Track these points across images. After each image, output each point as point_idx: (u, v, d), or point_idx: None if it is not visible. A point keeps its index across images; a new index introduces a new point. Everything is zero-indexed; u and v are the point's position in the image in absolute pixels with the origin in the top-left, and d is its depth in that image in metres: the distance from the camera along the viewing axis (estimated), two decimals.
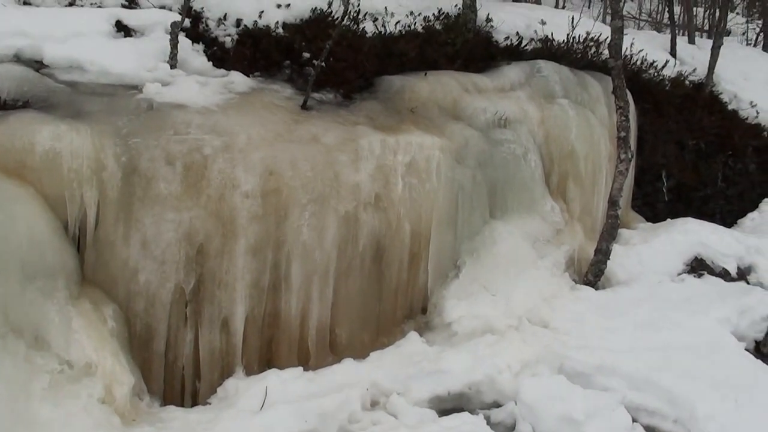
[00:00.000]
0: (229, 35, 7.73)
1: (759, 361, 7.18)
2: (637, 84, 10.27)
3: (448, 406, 6.10)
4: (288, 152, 6.51)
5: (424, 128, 7.48)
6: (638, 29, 16.29)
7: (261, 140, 6.46)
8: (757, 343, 7.68)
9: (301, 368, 6.25)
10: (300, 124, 6.85)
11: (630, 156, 8.28)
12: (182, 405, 6.12)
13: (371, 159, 6.88)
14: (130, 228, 5.93)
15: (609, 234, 8.05)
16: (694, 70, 11.76)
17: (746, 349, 7.35)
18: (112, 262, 5.90)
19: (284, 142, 6.58)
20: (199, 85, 6.88)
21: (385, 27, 8.72)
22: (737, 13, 19.24)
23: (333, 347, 6.75)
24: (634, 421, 6.02)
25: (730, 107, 11.99)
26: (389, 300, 7.07)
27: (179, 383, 6.22)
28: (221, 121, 6.46)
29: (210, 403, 5.99)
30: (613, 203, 8.17)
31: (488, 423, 5.87)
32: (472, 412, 6.00)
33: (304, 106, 7.13)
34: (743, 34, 17.99)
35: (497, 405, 6.16)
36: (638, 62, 10.67)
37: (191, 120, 6.36)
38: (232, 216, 6.18)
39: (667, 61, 11.10)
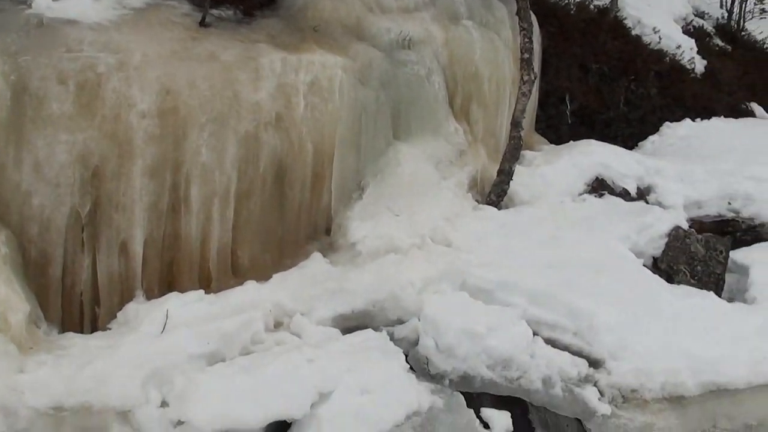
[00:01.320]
0: None
1: (656, 276, 7.56)
2: (543, 7, 10.44)
3: (352, 324, 6.26)
4: (185, 70, 6.49)
5: (326, 47, 7.51)
6: None
7: (157, 58, 6.43)
8: (655, 260, 8.04)
9: (202, 291, 6.31)
10: (198, 41, 6.81)
11: (533, 78, 8.47)
12: (82, 332, 6.14)
13: (272, 78, 6.89)
14: (22, 150, 5.88)
15: (512, 155, 8.26)
16: None
17: (644, 265, 7.70)
18: (3, 186, 5.86)
19: (181, 60, 6.55)
20: (92, 0, 6.76)
21: None
22: None
23: (235, 269, 6.81)
24: (535, 334, 6.31)
25: (633, 32, 12.30)
26: (292, 221, 7.14)
27: (78, 309, 6.24)
28: (115, 37, 6.40)
29: (110, 329, 6.03)
30: (515, 125, 8.38)
31: (392, 339, 6.08)
32: (375, 329, 6.20)
33: (202, 23, 7.07)
34: None
35: (401, 322, 6.34)
36: None
37: (84, 37, 6.28)
38: (128, 137, 6.16)
39: None
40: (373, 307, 6.35)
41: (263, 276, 6.66)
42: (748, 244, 9.08)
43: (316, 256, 6.90)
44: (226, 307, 6.08)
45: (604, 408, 6.08)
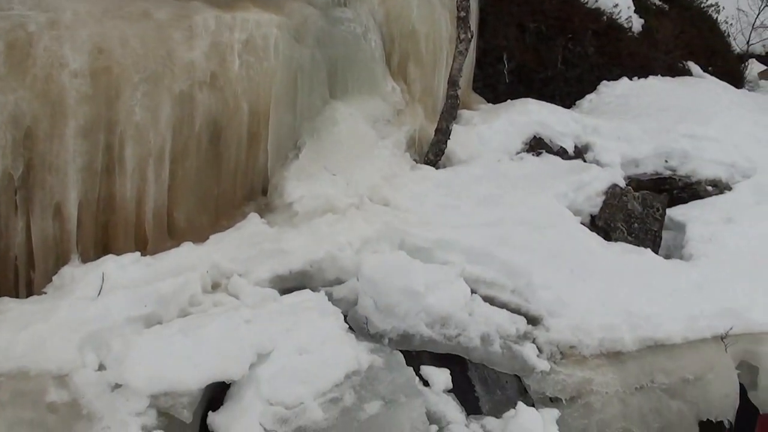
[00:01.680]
0: None
1: (593, 234, 7.69)
2: None
3: (290, 285, 6.27)
4: (118, 29, 6.40)
5: (261, 5, 7.45)
6: None
7: (89, 16, 6.34)
8: (592, 217, 8.17)
9: (138, 253, 6.27)
10: None
11: (470, 36, 8.49)
12: (17, 296, 6.10)
13: (206, 36, 6.83)
14: None
15: (449, 114, 8.30)
16: None
17: (582, 223, 7.84)
18: None
19: (113, 18, 6.46)
20: None
21: None
22: None
23: (171, 231, 6.77)
24: (473, 292, 6.37)
25: None
26: (228, 182, 7.11)
27: (12, 274, 6.19)
28: None
29: (46, 293, 5.98)
30: (453, 83, 8.42)
31: (330, 299, 6.10)
32: (314, 289, 6.20)
33: None
34: None
35: (339, 282, 6.37)
36: None
37: None
38: (61, 97, 6.08)
39: None
40: (310, 268, 6.36)
41: (200, 237, 6.63)
42: (685, 201, 9.26)
43: (253, 217, 6.89)
44: (162, 269, 6.05)
45: (543, 364, 6.19)
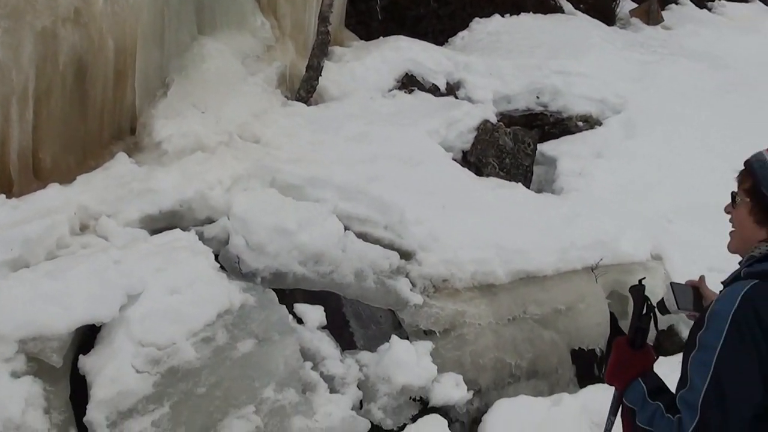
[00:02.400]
0: None
1: (465, 170, 7.84)
2: None
3: (160, 225, 6.21)
4: None
5: None
6: None
7: None
8: (464, 153, 8.32)
9: (3, 196, 6.11)
10: None
11: None
12: None
13: None
14: None
15: (320, 50, 8.30)
16: None
17: (454, 159, 7.97)
18: None
19: None
20: None
21: None
22: None
23: (37, 172, 6.57)
24: (346, 229, 6.43)
25: None
26: (95, 121, 6.92)
27: None
28: None
29: None
30: (323, 19, 8.41)
31: (201, 239, 6.07)
32: (184, 229, 6.15)
33: None
34: None
35: (210, 221, 6.33)
36: None
37: None
38: None
39: None
40: (180, 207, 6.30)
41: (67, 179, 6.48)
42: (556, 137, 9.53)
43: (121, 157, 6.75)
44: (29, 211, 5.90)
45: (417, 298, 6.32)
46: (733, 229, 2.90)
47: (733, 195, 2.88)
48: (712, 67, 11.59)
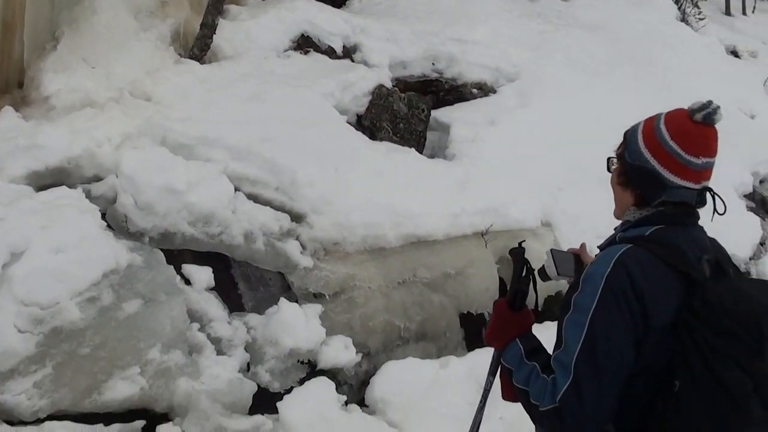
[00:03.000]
0: None
1: (359, 133, 7.88)
2: None
3: (46, 182, 6.06)
4: None
5: None
6: None
7: None
8: (359, 117, 8.35)
9: None
10: None
11: None
12: None
13: None
14: None
15: (214, 8, 8.19)
16: None
17: (348, 122, 8.00)
18: None
19: None
20: None
21: None
22: None
23: None
24: (236, 190, 6.42)
25: None
26: None
27: None
28: None
29: None
30: None
31: (88, 197, 5.98)
32: (71, 186, 6.03)
33: None
34: None
35: (98, 179, 6.22)
36: None
37: None
38: None
39: None
40: (68, 164, 6.16)
41: None
42: (451, 103, 9.63)
43: (7, 111, 6.55)
44: None
45: (307, 261, 6.36)
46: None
47: (608, 161, 3.01)
48: (605, 40, 11.84)
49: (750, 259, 9.08)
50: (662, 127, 2.78)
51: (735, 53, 15.01)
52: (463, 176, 7.75)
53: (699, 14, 15.47)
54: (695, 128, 2.74)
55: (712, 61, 13.00)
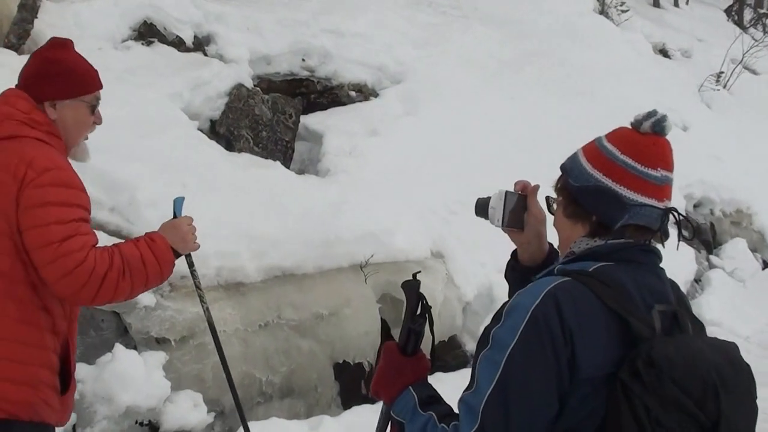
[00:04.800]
0: None
1: (213, 143, 7.82)
2: None
3: None
4: None
5: None
6: None
7: None
8: (213, 122, 8.32)
9: None
10: None
11: None
12: None
13: None
14: None
15: None
16: None
17: (199, 129, 7.96)
18: None
19: None
20: None
21: None
22: None
23: None
24: None
25: None
26: None
27: None
28: None
29: None
30: None
31: None
32: None
33: None
34: None
35: None
36: None
37: None
38: None
39: None
40: None
41: None
42: (324, 108, 9.68)
43: None
44: None
45: (148, 298, 6.24)
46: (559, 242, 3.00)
47: (548, 199, 3.01)
48: (510, 35, 12.05)
49: None
50: (607, 144, 2.81)
51: (664, 52, 15.47)
52: (338, 196, 7.75)
53: (621, 5, 15.84)
54: (645, 139, 2.77)
55: (638, 61, 13.37)
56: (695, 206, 11.86)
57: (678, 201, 10.35)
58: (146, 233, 4.15)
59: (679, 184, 10.44)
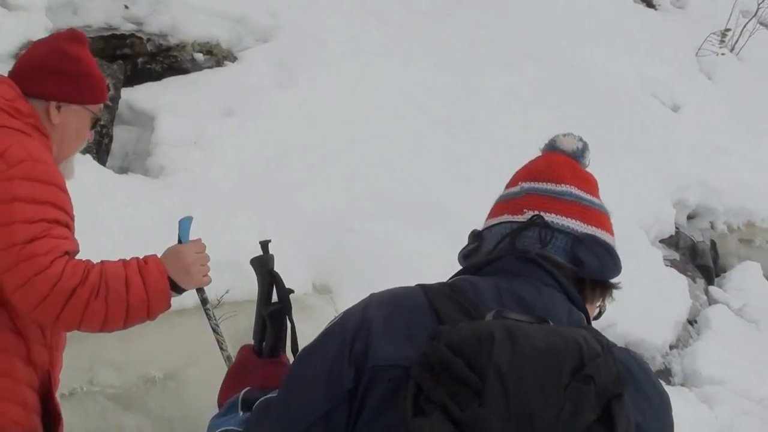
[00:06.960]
0: None
1: None
2: None
3: None
4: None
5: None
6: None
7: None
8: None
9: None
10: None
11: None
12: None
13: None
14: None
15: None
16: None
17: None
18: None
19: None
20: None
21: None
22: None
23: None
24: None
25: None
26: None
27: None
28: None
29: None
30: None
31: None
32: None
33: None
34: None
35: None
36: None
37: None
38: None
39: None
40: None
41: None
42: (157, 77, 9.50)
43: None
44: None
45: None
46: None
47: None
48: None
49: (671, 348, 9.25)
50: None
51: (648, 1, 15.56)
52: (176, 205, 7.50)
53: None
54: (528, 163, 3.19)
55: (614, 14, 13.39)
56: (690, 218, 11.79)
57: (666, 211, 10.31)
58: (145, 255, 4.50)
59: (668, 187, 10.45)
